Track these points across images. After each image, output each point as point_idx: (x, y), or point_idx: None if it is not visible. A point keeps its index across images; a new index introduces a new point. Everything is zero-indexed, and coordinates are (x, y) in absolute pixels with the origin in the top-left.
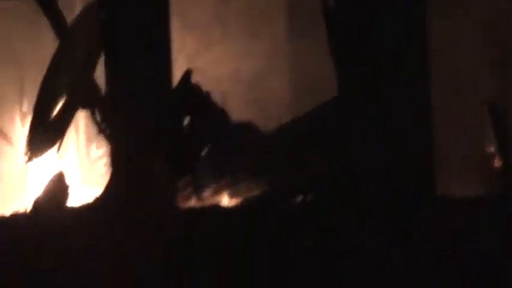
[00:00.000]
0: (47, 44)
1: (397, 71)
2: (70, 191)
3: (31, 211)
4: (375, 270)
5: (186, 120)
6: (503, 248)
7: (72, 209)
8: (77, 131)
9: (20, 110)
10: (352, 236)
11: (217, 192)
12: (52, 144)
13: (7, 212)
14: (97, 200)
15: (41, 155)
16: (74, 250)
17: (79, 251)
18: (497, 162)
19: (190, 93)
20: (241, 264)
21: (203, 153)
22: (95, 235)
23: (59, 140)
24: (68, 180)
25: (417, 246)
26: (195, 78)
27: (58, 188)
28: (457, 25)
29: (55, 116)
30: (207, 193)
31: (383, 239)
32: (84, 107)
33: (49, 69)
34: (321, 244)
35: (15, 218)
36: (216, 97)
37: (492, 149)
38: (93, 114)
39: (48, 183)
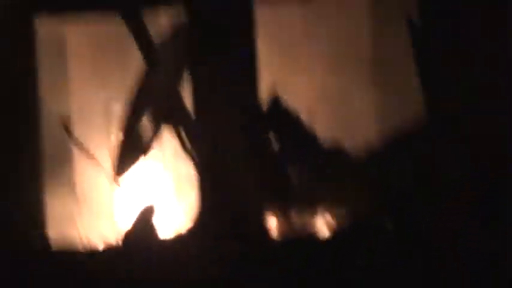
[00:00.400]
0: (134, 64)
1: (485, 91)
2: (158, 222)
3: (122, 244)
4: None
5: (275, 140)
6: None
7: (162, 242)
8: (164, 154)
9: (108, 132)
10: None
11: (308, 215)
12: (136, 161)
13: (97, 239)
14: (187, 232)
15: (127, 170)
16: (163, 283)
17: (168, 285)
18: None
19: (279, 114)
20: None
21: (293, 177)
22: (185, 268)
23: (143, 154)
24: (156, 215)
25: None
26: (282, 97)
27: (148, 222)
28: None
29: (140, 134)
30: (294, 213)
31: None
32: (169, 125)
33: (136, 89)
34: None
35: (107, 250)
36: (303, 116)
37: None
38: (179, 134)
39: (139, 216)
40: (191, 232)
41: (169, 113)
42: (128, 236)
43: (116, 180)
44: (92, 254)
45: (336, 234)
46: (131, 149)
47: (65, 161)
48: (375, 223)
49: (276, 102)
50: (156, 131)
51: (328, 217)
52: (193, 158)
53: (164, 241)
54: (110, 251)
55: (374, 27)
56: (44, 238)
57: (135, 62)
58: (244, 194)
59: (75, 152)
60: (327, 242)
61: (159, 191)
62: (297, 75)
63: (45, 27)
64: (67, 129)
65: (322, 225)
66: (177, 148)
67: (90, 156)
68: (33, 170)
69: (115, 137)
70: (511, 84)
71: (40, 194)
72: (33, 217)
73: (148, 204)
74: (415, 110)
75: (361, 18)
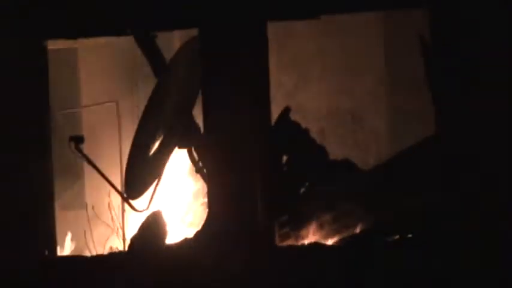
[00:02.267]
0: (146, 84)
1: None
2: (167, 229)
3: (128, 249)
4: None
5: (285, 158)
6: None
7: (169, 247)
8: (175, 170)
9: (120, 149)
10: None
11: (317, 230)
12: (149, 185)
13: (104, 250)
14: (194, 238)
15: (138, 196)
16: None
17: None
18: None
19: (290, 131)
20: None
21: (302, 190)
22: (191, 273)
23: (157, 180)
24: (165, 219)
25: None
26: (293, 115)
27: (155, 226)
28: None
29: (151, 156)
30: (305, 231)
31: None
32: (182, 146)
33: (146, 109)
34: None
35: (111, 256)
36: (315, 134)
37: None
38: (190, 153)
39: (146, 221)
40: (198, 238)
41: (181, 134)
42: (135, 241)
43: (128, 203)
44: (100, 261)
45: (342, 245)
46: (145, 171)
47: (76, 179)
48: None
49: (286, 122)
50: (169, 152)
51: (336, 228)
52: (203, 176)
53: (171, 246)
54: (118, 256)
55: (386, 45)
56: (54, 251)
57: (147, 82)
58: (253, 207)
59: (87, 170)
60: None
61: (169, 201)
62: (309, 94)
63: (57, 46)
64: (79, 148)
65: (326, 239)
66: (188, 166)
67: (101, 175)
68: (45, 187)
69: (128, 157)
70: None
71: (51, 210)
72: (45, 232)
73: (156, 210)
74: (428, 130)
75: (373, 37)
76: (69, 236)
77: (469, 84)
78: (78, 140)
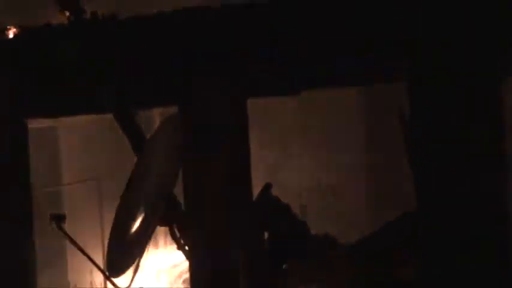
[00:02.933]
0: (126, 160)
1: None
2: None
3: None
4: None
5: (267, 234)
6: None
7: None
8: (157, 247)
9: (101, 228)
10: None
11: None
12: (131, 263)
13: None
14: None
15: (121, 273)
16: None
17: None
18: None
19: (271, 207)
20: None
21: (283, 266)
22: None
23: (138, 259)
24: None
25: None
26: (274, 191)
27: None
28: None
29: (134, 233)
30: None
31: None
32: (163, 224)
33: (127, 186)
34: None
35: None
36: (296, 209)
37: None
38: (171, 231)
39: None
40: None
41: (163, 212)
42: None
43: (111, 281)
44: None
45: None
46: (126, 250)
47: (59, 258)
48: None
49: (267, 198)
50: (150, 231)
51: None
52: (185, 254)
53: None
54: None
55: (366, 122)
56: None
57: (127, 158)
58: (234, 286)
59: (69, 248)
60: None
61: (152, 279)
62: (290, 170)
63: (36, 125)
64: (60, 227)
65: None
66: (170, 243)
67: (83, 253)
68: (27, 267)
69: (109, 234)
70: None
71: None
72: None
73: None
74: (408, 204)
75: (354, 112)
76: None
77: (448, 161)
78: (59, 218)
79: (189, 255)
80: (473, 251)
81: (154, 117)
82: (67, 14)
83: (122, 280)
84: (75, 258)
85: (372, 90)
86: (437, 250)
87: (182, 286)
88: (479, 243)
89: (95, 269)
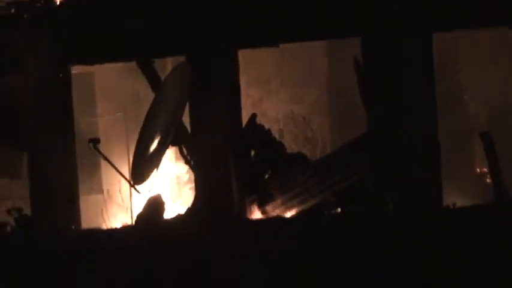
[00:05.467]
0: (147, 97)
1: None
2: (165, 208)
3: (135, 223)
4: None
5: (253, 152)
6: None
7: (166, 221)
8: (169, 162)
9: (127, 147)
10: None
11: (278, 207)
12: (150, 174)
13: (117, 225)
14: (185, 214)
15: (142, 182)
16: (169, 252)
17: (172, 254)
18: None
19: (256, 131)
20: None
21: (266, 177)
22: (184, 239)
23: (155, 171)
24: (163, 200)
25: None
26: (259, 120)
27: (156, 205)
28: None
29: (152, 152)
30: (269, 208)
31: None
32: (174, 144)
33: (147, 117)
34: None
35: (123, 229)
36: (275, 133)
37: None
38: (180, 150)
39: (148, 202)
40: (188, 214)
41: (173, 135)
42: (140, 217)
43: (134, 188)
44: (114, 233)
45: (296, 217)
46: (146, 164)
47: (95, 171)
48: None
49: (254, 124)
50: (164, 149)
51: (291, 206)
52: (191, 166)
53: (167, 220)
54: (127, 229)
55: (329, 67)
56: (79, 225)
57: (147, 96)
58: (229, 190)
59: (103, 164)
60: (291, 222)
61: (166, 186)
62: (270, 103)
63: (77, 69)
64: (96, 148)
65: (288, 212)
66: (179, 159)
67: (113, 167)
68: (71, 178)
69: (133, 153)
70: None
71: (76, 195)
72: (72, 211)
73: (157, 193)
74: (361, 130)
75: (318, 61)
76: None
77: (392, 96)
78: (95, 141)
79: (194, 168)
80: (412, 158)
81: (167, 64)
82: None
83: (142, 188)
84: (107, 171)
85: (333, 42)
86: (385, 159)
87: (189, 191)
88: (416, 152)
89: (123, 179)
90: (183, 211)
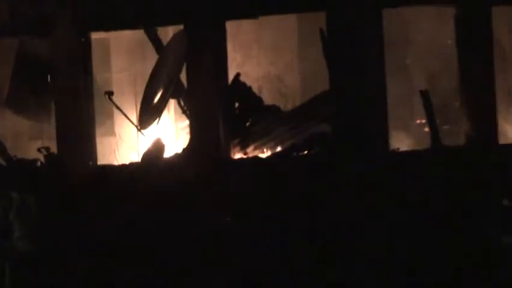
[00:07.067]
0: (151, 58)
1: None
2: (165, 148)
3: (141, 161)
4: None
5: (237, 104)
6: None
7: (166, 160)
8: (169, 112)
9: (135, 99)
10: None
11: (256, 148)
12: (153, 121)
13: (126, 162)
14: (181, 153)
15: (147, 127)
16: (168, 183)
17: (171, 184)
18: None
19: (240, 88)
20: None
21: (247, 124)
22: (180, 173)
23: (158, 118)
24: (164, 142)
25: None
26: (242, 78)
27: (158, 146)
28: None
29: (155, 102)
30: (249, 149)
31: None
32: (173, 97)
33: (152, 74)
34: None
35: (131, 165)
36: (255, 89)
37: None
38: (178, 101)
39: (152, 143)
40: (184, 153)
41: (173, 89)
42: (145, 156)
43: (140, 131)
44: (124, 168)
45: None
46: (151, 113)
47: (109, 117)
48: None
49: (237, 82)
50: (165, 101)
51: (268, 148)
52: (186, 115)
53: (167, 158)
54: (135, 165)
55: (299, 35)
56: (95, 161)
57: (152, 57)
58: (217, 134)
59: (115, 112)
60: (266, 161)
61: (166, 132)
62: (251, 65)
63: (95, 36)
64: (111, 99)
65: (264, 153)
66: (177, 109)
67: (124, 115)
68: (89, 122)
69: (140, 104)
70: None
71: (93, 137)
72: (90, 150)
73: (158, 136)
74: (325, 87)
75: (291, 30)
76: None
77: (350, 63)
78: (110, 93)
79: (189, 117)
80: (365, 112)
81: (169, 32)
82: None
83: (147, 132)
84: (119, 118)
85: (304, 15)
86: (344, 111)
87: (186, 135)
88: (368, 106)
89: (132, 125)
90: (179, 151)
